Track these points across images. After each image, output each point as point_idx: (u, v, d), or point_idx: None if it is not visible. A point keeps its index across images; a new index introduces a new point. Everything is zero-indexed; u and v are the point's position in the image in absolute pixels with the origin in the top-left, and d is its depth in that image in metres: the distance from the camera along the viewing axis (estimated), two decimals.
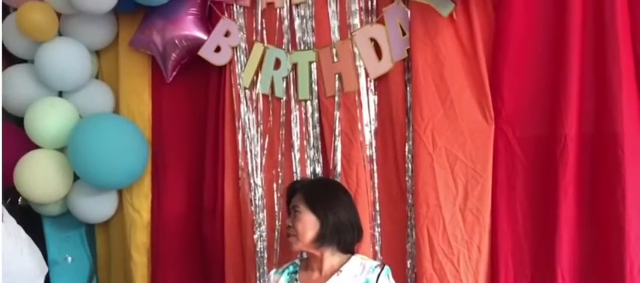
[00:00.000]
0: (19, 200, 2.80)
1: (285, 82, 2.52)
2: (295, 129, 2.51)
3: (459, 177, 2.25)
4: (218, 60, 2.59)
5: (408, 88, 2.34)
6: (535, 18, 2.18)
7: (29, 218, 2.47)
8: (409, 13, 2.31)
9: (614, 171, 2.02)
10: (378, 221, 2.39)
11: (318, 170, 2.49)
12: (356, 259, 2.07)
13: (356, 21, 2.41)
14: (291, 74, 2.51)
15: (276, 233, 2.53)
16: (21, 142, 2.61)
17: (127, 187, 2.74)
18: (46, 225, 2.79)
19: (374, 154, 2.40)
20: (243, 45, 2.58)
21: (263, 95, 2.56)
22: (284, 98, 2.52)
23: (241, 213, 2.58)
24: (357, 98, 2.40)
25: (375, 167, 2.39)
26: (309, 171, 2.50)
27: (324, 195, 2.10)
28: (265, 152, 2.55)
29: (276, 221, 2.53)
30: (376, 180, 2.39)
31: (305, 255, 2.18)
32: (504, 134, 2.22)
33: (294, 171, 2.51)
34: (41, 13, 2.52)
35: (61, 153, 2.64)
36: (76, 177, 2.66)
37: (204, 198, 2.67)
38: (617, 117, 2.02)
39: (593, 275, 2.09)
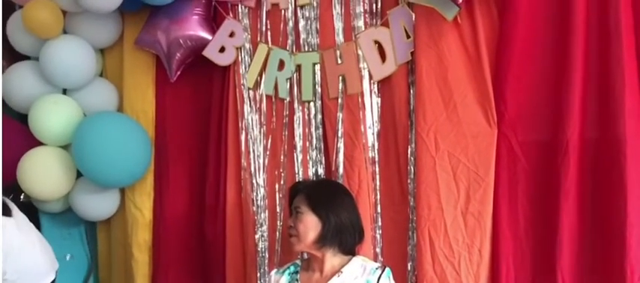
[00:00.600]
0: (21, 196, 2.80)
1: (288, 83, 2.52)
2: (298, 130, 2.52)
3: (461, 181, 2.25)
4: (222, 60, 2.59)
5: (411, 91, 2.35)
6: (539, 23, 2.19)
7: (26, 215, 2.46)
8: (413, 17, 2.31)
9: (616, 177, 2.02)
10: (380, 223, 2.39)
11: (321, 171, 2.50)
12: (357, 260, 2.08)
13: (360, 23, 2.42)
14: (294, 75, 2.52)
15: (278, 233, 2.53)
16: (24, 139, 2.61)
17: (130, 185, 2.74)
18: (43, 223, 2.78)
19: (376, 156, 2.40)
20: (247, 45, 2.59)
21: (266, 96, 2.57)
22: (287, 99, 2.53)
23: (243, 213, 2.58)
24: (360, 100, 2.41)
25: (377, 169, 2.40)
26: (311, 172, 2.50)
27: (326, 196, 2.11)
28: (268, 152, 2.56)
29: (278, 222, 2.53)
30: (378, 182, 2.40)
31: (306, 256, 2.19)
32: (507, 138, 2.22)
33: (297, 172, 2.51)
34: (47, 11, 2.53)
35: (64, 151, 2.64)
36: (78, 175, 2.66)
37: (207, 197, 2.67)
38: (619, 122, 2.02)
39: (594, 281, 2.09)
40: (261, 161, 2.57)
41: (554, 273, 2.11)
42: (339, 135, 2.43)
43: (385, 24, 2.37)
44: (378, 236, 2.39)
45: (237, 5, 2.59)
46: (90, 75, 2.70)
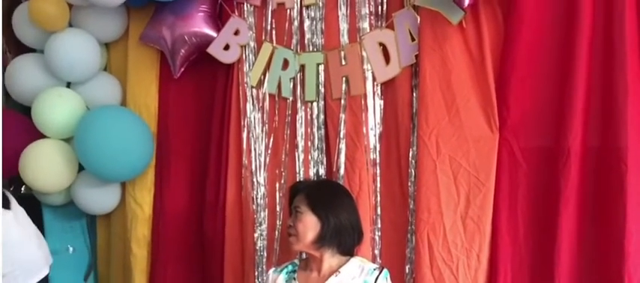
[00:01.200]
0: (22, 188, 2.81)
1: (292, 83, 2.53)
2: (300, 130, 2.52)
3: (461, 185, 2.25)
4: (226, 58, 2.60)
5: (414, 94, 2.35)
6: (544, 30, 2.19)
7: (29, 207, 2.47)
8: (418, 20, 2.32)
9: (616, 186, 2.02)
10: (379, 226, 2.40)
11: (322, 171, 2.50)
12: (355, 261, 2.08)
13: (365, 25, 2.42)
14: (298, 75, 2.52)
15: (277, 232, 2.53)
16: (27, 131, 2.62)
17: (131, 180, 2.74)
18: (45, 215, 2.79)
19: (377, 158, 2.40)
20: (252, 44, 2.59)
21: (270, 95, 2.57)
22: (290, 98, 2.53)
23: (243, 211, 2.58)
24: (363, 102, 2.41)
25: (378, 171, 2.40)
26: (312, 172, 2.50)
27: (326, 197, 2.11)
28: (269, 151, 2.56)
29: (278, 221, 2.53)
30: (379, 184, 2.40)
31: (304, 256, 2.19)
32: (508, 144, 2.22)
33: (297, 171, 2.52)
34: (53, 4, 2.53)
35: (66, 144, 2.65)
36: (80, 168, 2.67)
37: (207, 194, 2.67)
38: (622, 131, 2.03)
39: None
40: (262, 159, 2.57)
41: (553, 280, 2.11)
42: (341, 135, 2.43)
43: (390, 26, 2.38)
44: (377, 238, 2.39)
45: (243, 3, 2.59)
46: (94, 69, 2.71)
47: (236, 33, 2.59)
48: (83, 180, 2.69)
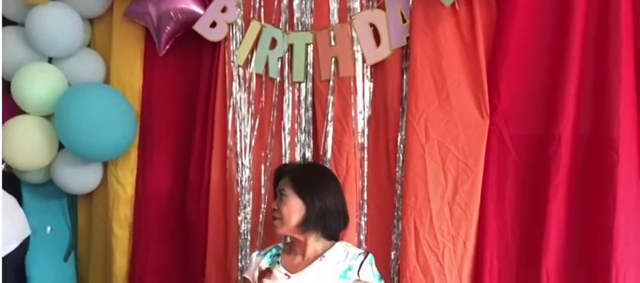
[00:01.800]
0: (2, 165, 2.74)
1: (280, 63, 2.48)
2: (287, 112, 2.48)
3: (449, 171, 2.22)
4: (213, 35, 2.54)
5: (404, 77, 2.31)
6: (538, 16, 2.16)
7: (8, 185, 2.41)
8: (410, 1, 2.27)
9: (607, 175, 1.99)
10: (365, 211, 2.36)
11: (308, 154, 2.46)
12: (340, 246, 2.06)
13: (356, 5, 2.37)
14: (286, 55, 2.47)
15: (261, 216, 2.50)
16: (6, 107, 2.55)
17: (113, 160, 2.69)
18: (24, 194, 2.73)
19: (365, 142, 2.37)
20: (239, 22, 2.54)
21: (256, 75, 2.52)
22: (278, 79, 2.48)
23: (227, 194, 2.54)
24: (352, 84, 2.37)
25: (365, 155, 2.36)
26: (298, 154, 2.47)
27: (312, 180, 2.08)
28: (255, 133, 2.52)
29: (262, 204, 2.49)
30: (366, 169, 2.36)
31: (289, 239, 2.15)
32: (498, 130, 2.19)
33: (284, 154, 2.48)
34: None
35: (47, 121, 2.59)
36: (61, 146, 2.61)
37: (191, 175, 2.63)
38: (613, 120, 1.99)
39: (579, 278, 2.06)
40: (247, 141, 2.53)
41: (539, 268, 2.08)
42: (329, 118, 2.39)
43: (381, 7, 2.33)
44: (363, 223, 2.36)
45: None
46: (77, 44, 2.65)
47: (223, 10, 2.53)
48: (64, 159, 2.64)
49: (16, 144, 2.51)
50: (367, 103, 2.37)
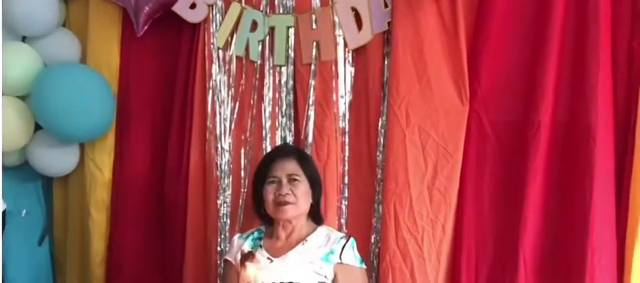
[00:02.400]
0: None
1: (260, 46, 2.46)
2: (268, 95, 2.46)
3: (429, 156, 2.24)
4: (193, 17, 2.50)
5: (385, 62, 2.32)
6: (518, 3, 2.19)
7: None
8: None
9: (584, 161, 2.04)
10: (346, 195, 2.37)
11: (289, 138, 2.46)
12: (322, 230, 2.08)
13: None
14: (267, 38, 2.45)
15: (241, 200, 2.49)
16: None
17: (90, 142, 2.65)
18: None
19: (347, 127, 2.37)
20: (219, 3, 2.49)
21: (237, 57, 2.49)
22: (258, 62, 2.46)
23: (206, 177, 2.53)
24: (333, 68, 2.36)
25: (346, 139, 2.37)
26: (279, 138, 2.46)
27: (313, 165, 2.16)
28: (235, 116, 2.50)
29: (242, 188, 2.48)
30: (347, 153, 2.37)
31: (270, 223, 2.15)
32: (478, 116, 2.22)
33: (264, 137, 2.46)
34: None
35: (22, 101, 2.53)
36: (37, 128, 2.56)
37: (169, 158, 2.59)
38: (591, 107, 2.04)
39: (555, 262, 2.11)
40: (227, 124, 2.51)
41: (516, 252, 2.13)
42: (310, 102, 2.38)
43: None
44: (343, 207, 2.37)
45: None
46: (51, 23, 2.58)
47: None
48: (40, 140, 2.58)
49: None
50: (348, 88, 2.37)
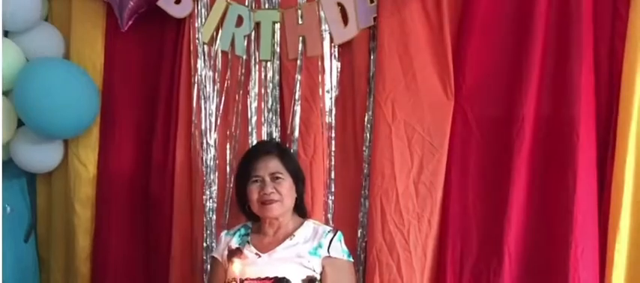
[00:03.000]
0: None
1: (246, 41, 2.45)
2: (253, 90, 2.46)
3: (415, 150, 2.26)
4: (178, 12, 2.49)
5: (371, 57, 2.33)
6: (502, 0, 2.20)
7: None
8: None
9: (567, 155, 2.07)
10: (332, 189, 2.38)
11: (275, 134, 2.46)
12: (309, 224, 2.09)
13: None
14: (253, 33, 2.45)
15: (227, 195, 2.48)
16: None
17: (74, 138, 2.63)
18: None
19: (333, 122, 2.38)
20: None
21: (222, 52, 2.49)
22: (244, 57, 2.46)
23: (192, 172, 2.52)
24: (319, 63, 2.37)
25: (333, 134, 2.38)
26: (265, 133, 2.46)
27: (295, 161, 2.17)
28: (221, 111, 2.49)
29: (228, 184, 2.48)
30: (333, 148, 2.38)
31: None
32: (463, 111, 2.24)
33: (250, 133, 2.46)
34: None
35: (4, 97, 2.50)
36: (20, 124, 2.53)
37: (154, 154, 2.58)
38: (574, 102, 2.07)
39: (539, 255, 2.14)
40: (213, 119, 2.50)
41: (501, 246, 2.16)
42: (296, 97, 2.39)
43: None
44: (330, 201, 2.38)
45: None
46: (33, 18, 2.54)
47: None
48: (23, 137, 2.55)
49: None
50: (335, 83, 2.38)
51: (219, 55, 2.49)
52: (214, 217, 2.49)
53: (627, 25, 2.06)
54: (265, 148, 2.14)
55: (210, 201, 2.49)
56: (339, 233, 2.06)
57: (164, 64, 2.57)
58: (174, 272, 2.50)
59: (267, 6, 2.44)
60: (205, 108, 2.50)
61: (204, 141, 2.50)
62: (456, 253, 2.25)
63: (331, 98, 2.37)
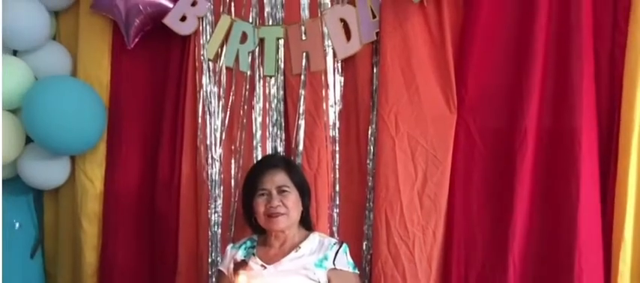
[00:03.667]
0: None
1: (250, 57, 2.48)
2: (258, 105, 2.49)
3: (419, 163, 2.27)
4: (183, 29, 2.53)
5: (374, 71, 2.35)
6: (503, 12, 2.23)
7: None
8: None
9: (570, 166, 2.08)
10: (337, 202, 2.40)
11: (280, 148, 2.48)
12: (314, 236, 2.11)
13: (327, 0, 2.39)
14: (257, 49, 2.48)
15: (232, 209, 2.50)
16: None
17: (81, 154, 2.65)
18: None
19: (337, 135, 2.40)
20: (209, 16, 2.52)
21: (227, 68, 2.52)
22: (248, 73, 2.49)
23: (197, 188, 2.54)
24: (323, 78, 2.39)
25: (337, 148, 2.40)
26: (269, 148, 2.48)
27: (301, 174, 2.20)
28: (226, 126, 2.52)
29: (233, 198, 2.50)
30: (338, 161, 2.40)
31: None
32: (466, 123, 2.25)
33: (255, 147, 2.49)
34: None
35: (13, 115, 2.53)
36: (28, 141, 2.56)
37: (160, 169, 2.61)
38: (576, 112, 2.08)
39: (544, 266, 2.14)
40: (218, 135, 2.53)
41: (505, 257, 2.16)
42: (301, 111, 2.41)
43: (352, 2, 2.36)
44: (335, 214, 2.39)
45: None
46: (42, 37, 2.59)
47: (193, 4, 2.52)
48: (31, 153, 2.58)
49: None
50: (338, 97, 2.40)
51: (224, 71, 2.52)
52: (220, 231, 2.51)
53: (627, 36, 2.07)
54: (272, 162, 2.17)
55: (216, 214, 2.51)
56: (344, 245, 2.07)
57: (170, 81, 2.61)
58: None
59: (270, 22, 2.47)
60: (210, 124, 2.53)
61: (210, 155, 2.52)
62: (461, 264, 2.25)
63: (335, 112, 2.40)
